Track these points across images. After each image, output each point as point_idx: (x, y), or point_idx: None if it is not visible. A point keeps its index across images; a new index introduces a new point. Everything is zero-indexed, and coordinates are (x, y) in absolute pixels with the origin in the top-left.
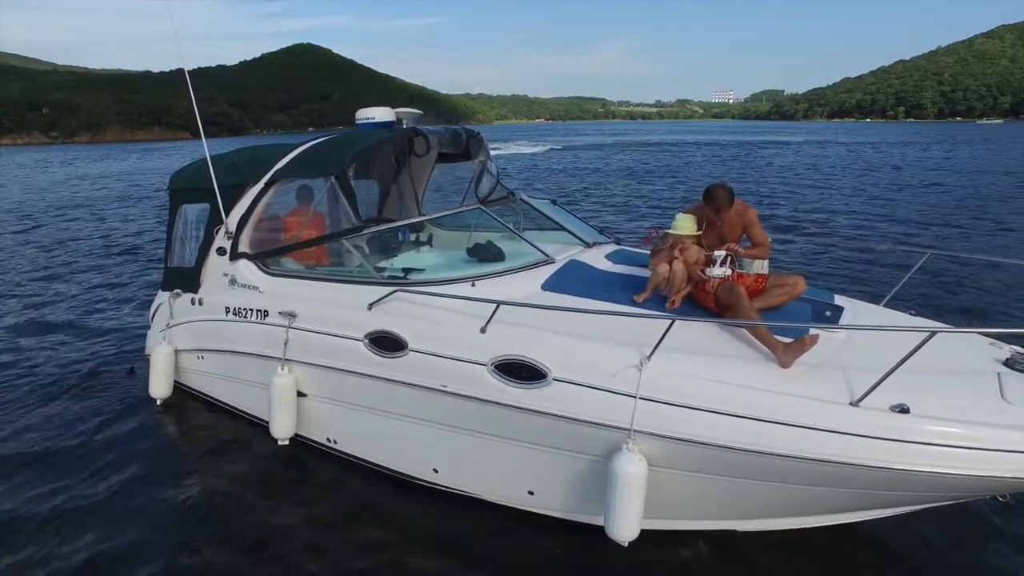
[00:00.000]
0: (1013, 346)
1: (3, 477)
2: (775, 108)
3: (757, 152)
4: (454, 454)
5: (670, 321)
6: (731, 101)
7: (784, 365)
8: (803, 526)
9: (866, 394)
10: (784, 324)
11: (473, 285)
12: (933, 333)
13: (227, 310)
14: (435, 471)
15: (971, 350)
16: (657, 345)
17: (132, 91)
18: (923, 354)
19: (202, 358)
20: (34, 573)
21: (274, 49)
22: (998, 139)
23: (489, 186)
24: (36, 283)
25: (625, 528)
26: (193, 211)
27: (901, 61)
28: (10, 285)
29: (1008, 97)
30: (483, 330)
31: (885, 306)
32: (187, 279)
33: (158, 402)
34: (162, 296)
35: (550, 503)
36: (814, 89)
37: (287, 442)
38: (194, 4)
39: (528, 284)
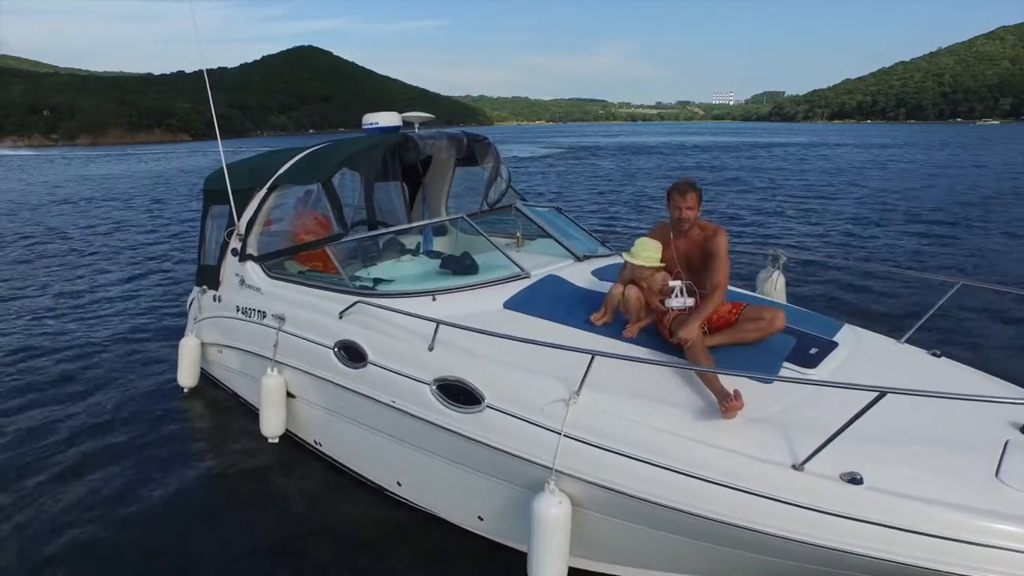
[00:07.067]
0: None
1: (26, 442)
2: (776, 109)
3: (759, 154)
4: (412, 470)
5: (591, 356)
6: (732, 103)
7: (725, 415)
8: None
9: (809, 457)
10: (715, 371)
11: (434, 299)
12: (882, 394)
13: (237, 308)
14: (398, 484)
15: (987, 410)
16: (583, 381)
17: (133, 93)
18: (923, 413)
19: (221, 352)
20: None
21: (274, 52)
22: (1002, 140)
23: (497, 192)
24: (104, 269)
25: (545, 573)
26: (218, 212)
27: (902, 62)
28: (72, 272)
29: (1009, 98)
30: (431, 348)
31: (907, 342)
32: (211, 277)
33: (184, 390)
34: (195, 291)
35: (496, 530)
36: (815, 90)
37: (276, 440)
38: (195, 7)
39: (490, 300)
